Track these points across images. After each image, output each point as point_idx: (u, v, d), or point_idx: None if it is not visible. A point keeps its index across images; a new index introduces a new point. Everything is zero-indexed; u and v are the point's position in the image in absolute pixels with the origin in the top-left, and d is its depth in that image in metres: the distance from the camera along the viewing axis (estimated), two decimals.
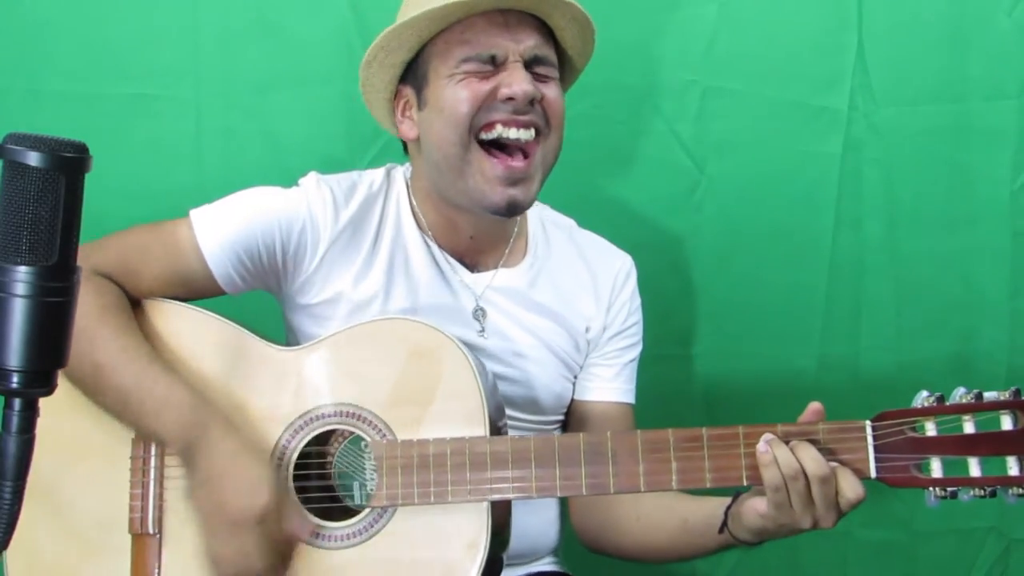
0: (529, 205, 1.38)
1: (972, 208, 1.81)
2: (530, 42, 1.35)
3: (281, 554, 1.26)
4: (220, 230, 1.36)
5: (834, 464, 1.19)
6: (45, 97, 1.77)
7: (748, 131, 1.80)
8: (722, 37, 1.78)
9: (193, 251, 1.36)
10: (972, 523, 1.86)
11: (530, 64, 1.36)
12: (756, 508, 1.23)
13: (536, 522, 1.47)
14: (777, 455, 1.18)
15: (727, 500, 1.30)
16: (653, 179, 1.82)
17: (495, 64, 1.34)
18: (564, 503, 1.55)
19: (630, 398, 1.52)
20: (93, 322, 1.28)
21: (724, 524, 1.29)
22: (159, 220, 1.41)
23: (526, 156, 1.35)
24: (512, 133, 1.34)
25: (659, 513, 1.40)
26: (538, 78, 1.36)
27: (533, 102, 1.34)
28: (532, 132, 1.35)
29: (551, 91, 1.37)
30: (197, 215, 1.38)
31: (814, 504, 1.18)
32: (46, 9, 1.77)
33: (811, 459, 1.18)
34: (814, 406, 1.23)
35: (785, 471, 1.18)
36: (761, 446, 1.19)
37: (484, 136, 1.34)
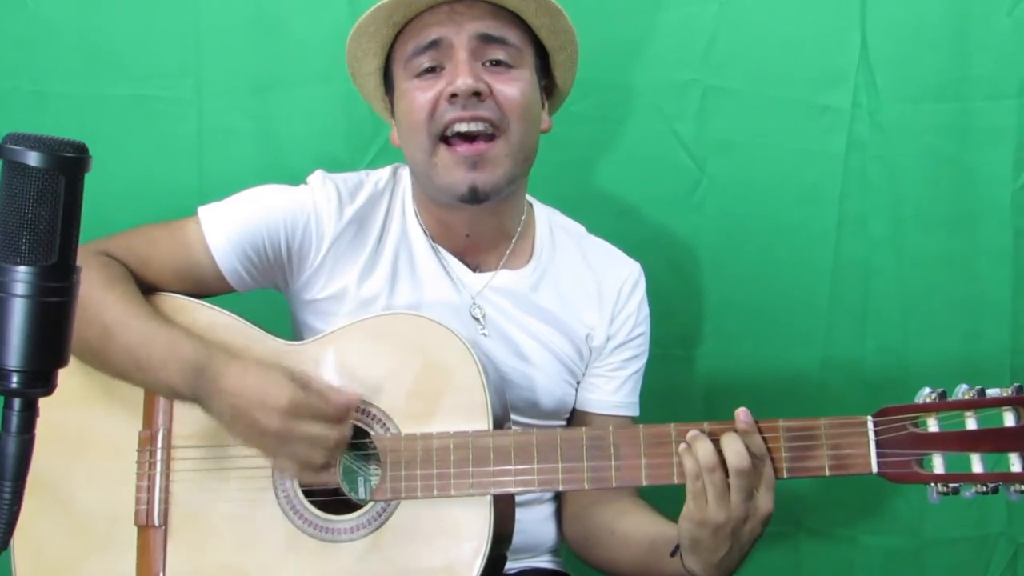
0: (494, 192, 1.36)
1: (974, 207, 1.79)
2: (475, 25, 1.34)
3: (340, 430, 1.25)
4: (227, 226, 1.38)
5: (759, 462, 1.19)
6: (48, 98, 1.79)
7: (749, 130, 1.79)
8: (722, 36, 1.77)
9: (201, 246, 1.38)
10: (982, 529, 1.84)
11: (481, 48, 1.34)
12: (681, 513, 1.23)
13: (530, 518, 1.47)
14: (696, 447, 1.19)
15: None
16: (653, 179, 1.82)
17: (438, 49, 1.34)
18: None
19: (633, 411, 1.52)
20: (99, 289, 1.30)
21: (677, 547, 1.27)
22: (167, 219, 1.42)
23: (489, 141, 1.34)
24: (464, 127, 1.33)
25: (632, 530, 1.40)
26: (493, 66, 1.35)
27: (480, 95, 1.32)
28: (481, 126, 1.33)
29: (504, 84, 1.35)
30: (205, 212, 1.40)
31: (729, 498, 1.18)
32: (49, 11, 1.78)
33: (734, 452, 1.18)
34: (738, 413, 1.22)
35: (703, 462, 1.18)
36: (683, 445, 1.21)
37: (447, 133, 1.34)
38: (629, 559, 1.40)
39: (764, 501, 1.20)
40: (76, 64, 1.78)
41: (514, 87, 1.35)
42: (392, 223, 1.44)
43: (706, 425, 1.22)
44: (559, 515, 1.53)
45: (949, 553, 1.85)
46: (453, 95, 1.32)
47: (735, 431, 1.20)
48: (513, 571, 1.47)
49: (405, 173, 1.48)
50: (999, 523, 1.84)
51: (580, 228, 1.56)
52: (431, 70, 1.36)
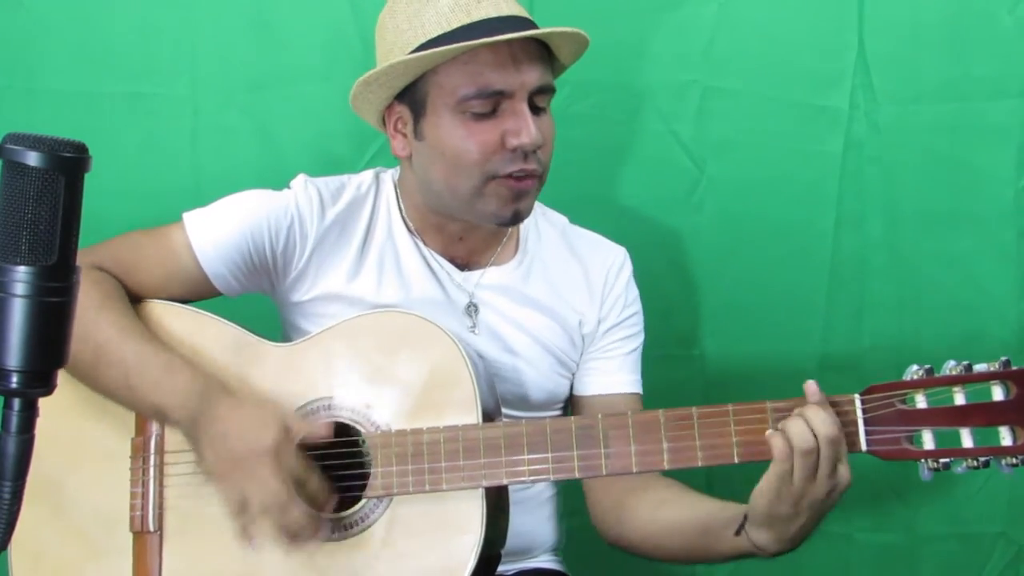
0: (528, 214, 1.40)
1: (976, 207, 1.79)
2: (535, 74, 1.32)
3: (302, 510, 1.25)
4: (212, 231, 1.38)
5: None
6: (42, 96, 1.78)
7: (748, 131, 1.79)
8: (722, 37, 1.77)
9: (187, 253, 1.38)
10: (980, 528, 1.84)
11: (532, 97, 1.33)
12: (758, 488, 1.21)
13: (530, 520, 1.48)
14: (790, 428, 1.17)
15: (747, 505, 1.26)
16: (653, 179, 1.82)
17: (498, 97, 1.32)
18: (561, 503, 1.55)
19: (636, 388, 1.51)
20: (93, 308, 1.30)
21: (742, 526, 1.26)
22: (154, 224, 1.42)
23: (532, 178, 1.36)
24: (518, 174, 1.34)
25: (678, 518, 1.38)
26: (537, 110, 1.34)
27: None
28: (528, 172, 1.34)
29: (546, 129, 1.35)
30: (190, 218, 1.40)
31: (815, 477, 1.17)
32: (43, 8, 1.77)
33: (822, 422, 1.17)
34: (809, 386, 1.21)
35: (798, 444, 1.16)
36: (769, 431, 1.19)
37: (498, 175, 1.34)
38: (679, 545, 1.38)
39: (844, 471, 1.18)
40: (70, 62, 1.77)
41: (550, 129, 1.36)
42: (377, 225, 1.45)
43: (768, 404, 1.22)
44: (560, 514, 1.53)
45: (946, 551, 1.85)
46: (516, 147, 1.31)
47: (815, 404, 1.19)
48: (512, 572, 1.47)
49: (387, 177, 1.49)
50: (999, 523, 1.84)
51: (563, 218, 1.57)
52: (487, 114, 1.33)
